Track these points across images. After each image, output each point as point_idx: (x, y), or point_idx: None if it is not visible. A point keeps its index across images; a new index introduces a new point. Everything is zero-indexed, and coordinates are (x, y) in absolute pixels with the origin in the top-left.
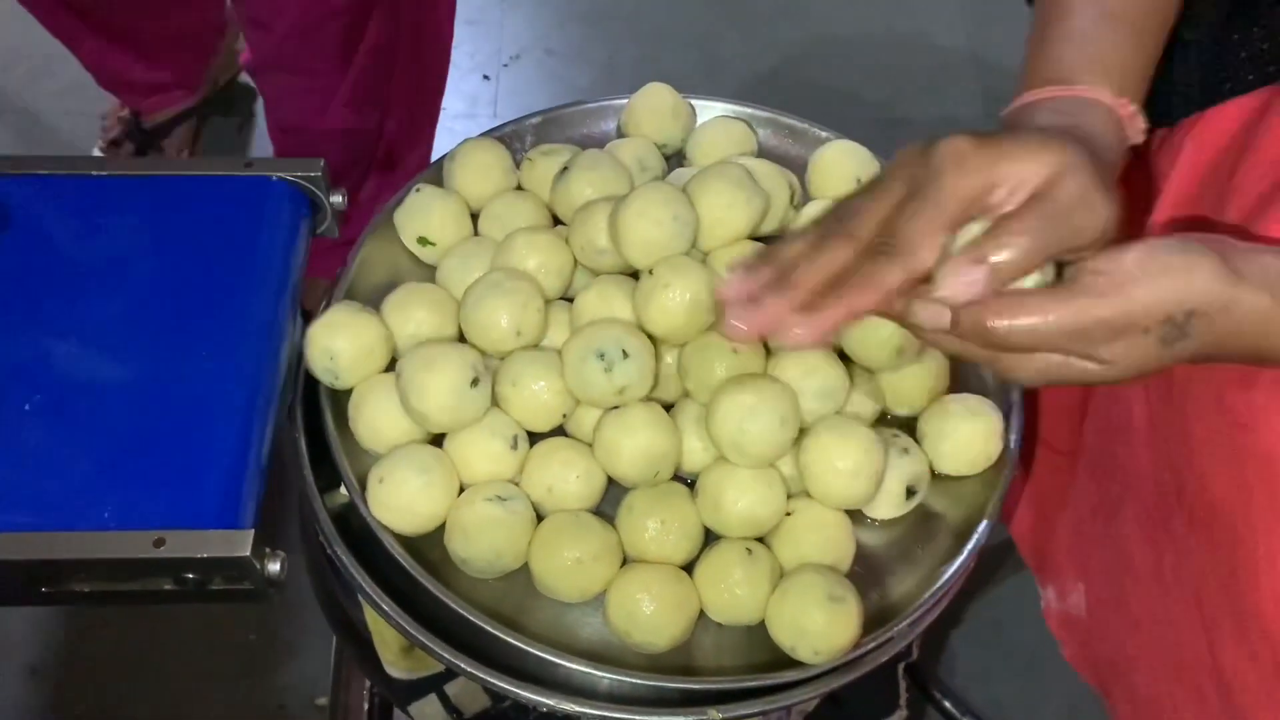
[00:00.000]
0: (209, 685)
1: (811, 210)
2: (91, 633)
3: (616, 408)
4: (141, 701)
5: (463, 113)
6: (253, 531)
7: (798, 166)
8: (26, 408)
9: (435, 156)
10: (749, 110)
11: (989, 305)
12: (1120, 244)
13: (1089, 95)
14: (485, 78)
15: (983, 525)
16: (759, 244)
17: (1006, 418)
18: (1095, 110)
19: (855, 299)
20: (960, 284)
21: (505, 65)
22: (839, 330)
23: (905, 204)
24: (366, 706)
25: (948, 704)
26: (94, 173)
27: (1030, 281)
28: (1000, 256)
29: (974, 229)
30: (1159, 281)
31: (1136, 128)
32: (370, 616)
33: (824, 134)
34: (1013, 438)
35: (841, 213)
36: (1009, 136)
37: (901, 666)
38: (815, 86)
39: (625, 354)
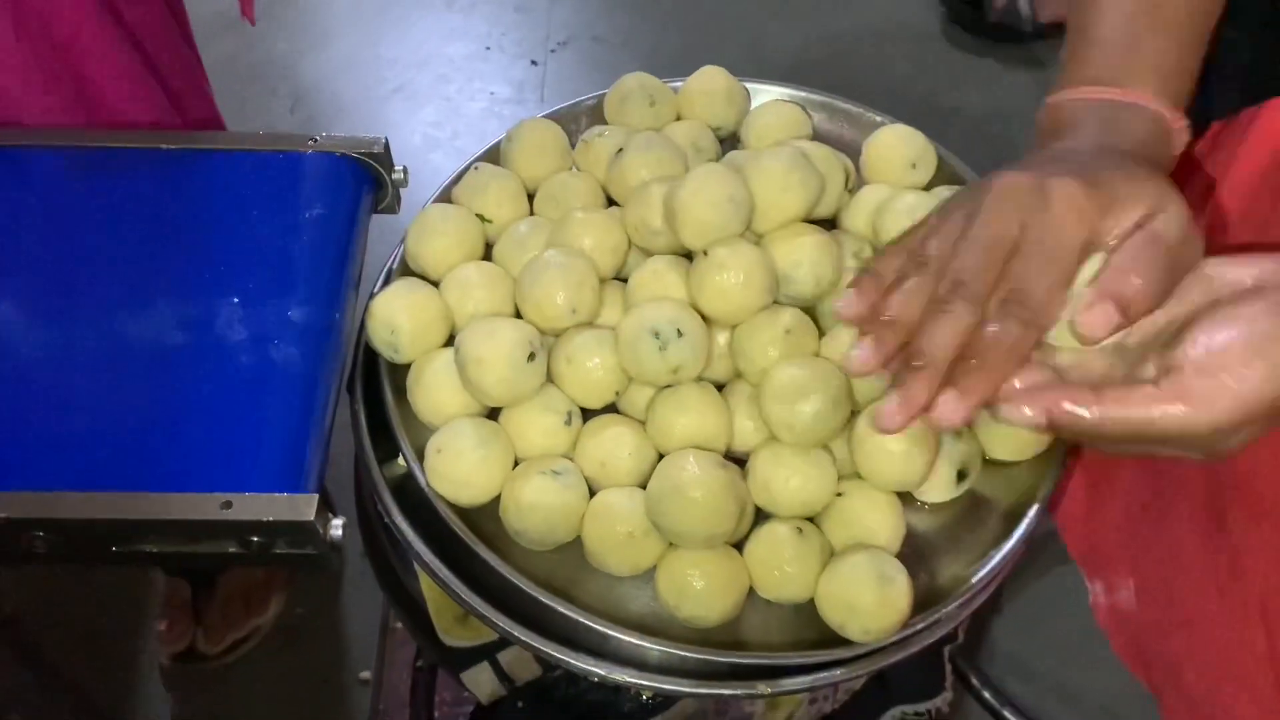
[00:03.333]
0: (252, 656)
1: (870, 195)
2: (143, 602)
3: (670, 386)
4: (187, 671)
5: (510, 98)
6: (317, 496)
7: (852, 151)
8: (99, 373)
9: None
10: (803, 94)
11: (1082, 400)
12: (1210, 319)
13: (1134, 100)
14: (533, 63)
15: (1033, 511)
16: (822, 232)
17: None
18: (1141, 116)
19: (997, 372)
20: (1100, 323)
21: (553, 51)
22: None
23: (1026, 256)
24: (410, 681)
25: (986, 694)
26: (163, 146)
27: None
28: (1129, 291)
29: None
30: (1264, 369)
31: (1180, 140)
32: (426, 585)
33: (879, 118)
34: None
35: (944, 235)
36: (1113, 178)
37: (947, 650)
38: (862, 75)
39: (680, 333)
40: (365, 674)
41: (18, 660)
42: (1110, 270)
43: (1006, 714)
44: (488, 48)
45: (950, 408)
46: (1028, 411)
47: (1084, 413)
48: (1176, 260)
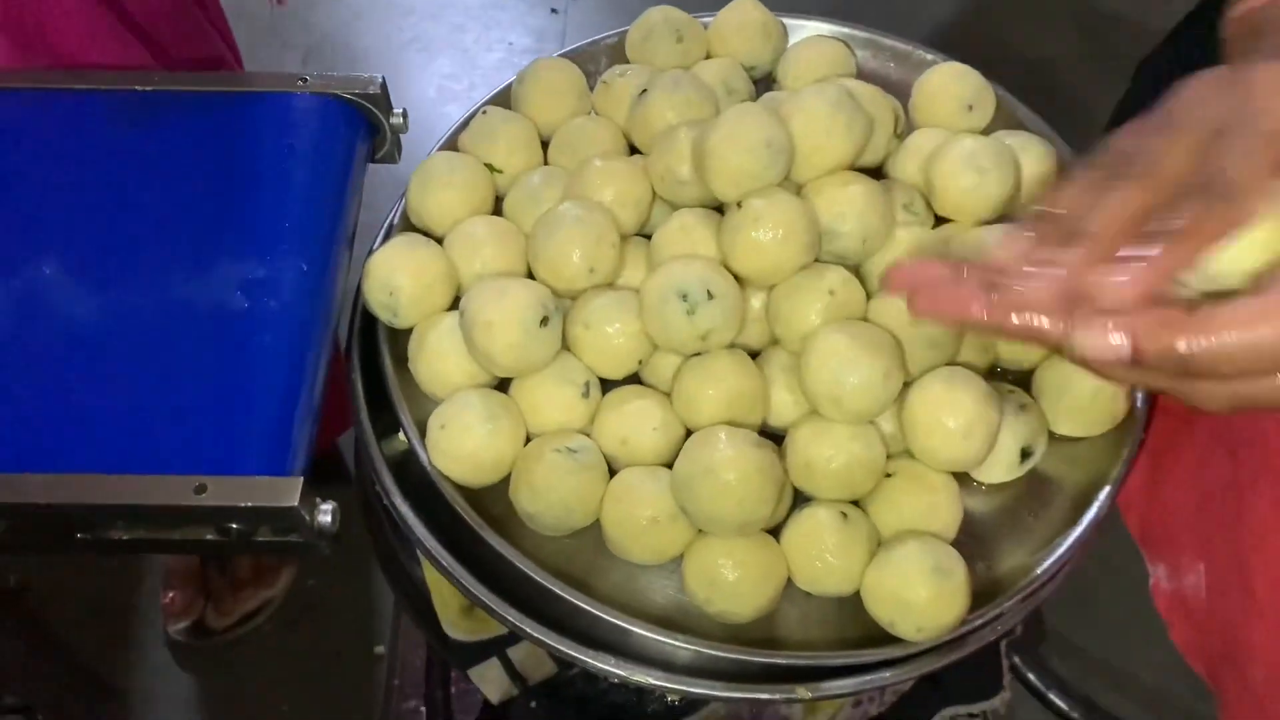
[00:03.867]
0: (265, 630)
1: (921, 141)
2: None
3: (698, 354)
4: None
5: (530, 48)
6: (301, 479)
7: (901, 92)
8: (62, 342)
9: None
10: (846, 29)
11: (1177, 323)
12: None
13: None
14: (553, 11)
15: (1104, 493)
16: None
17: None
18: None
19: (1171, 254)
20: None
21: None
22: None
23: (1227, 140)
24: (425, 657)
25: (1031, 676)
26: (138, 87)
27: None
28: None
29: None
30: None
31: None
32: (429, 573)
33: (929, 56)
34: (1139, 396)
35: (1116, 158)
36: None
37: (1005, 644)
38: (907, 22)
39: (710, 295)
40: (380, 649)
41: (23, 633)
42: None
43: (1052, 696)
44: None
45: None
46: (1096, 339)
47: (1181, 343)
48: None
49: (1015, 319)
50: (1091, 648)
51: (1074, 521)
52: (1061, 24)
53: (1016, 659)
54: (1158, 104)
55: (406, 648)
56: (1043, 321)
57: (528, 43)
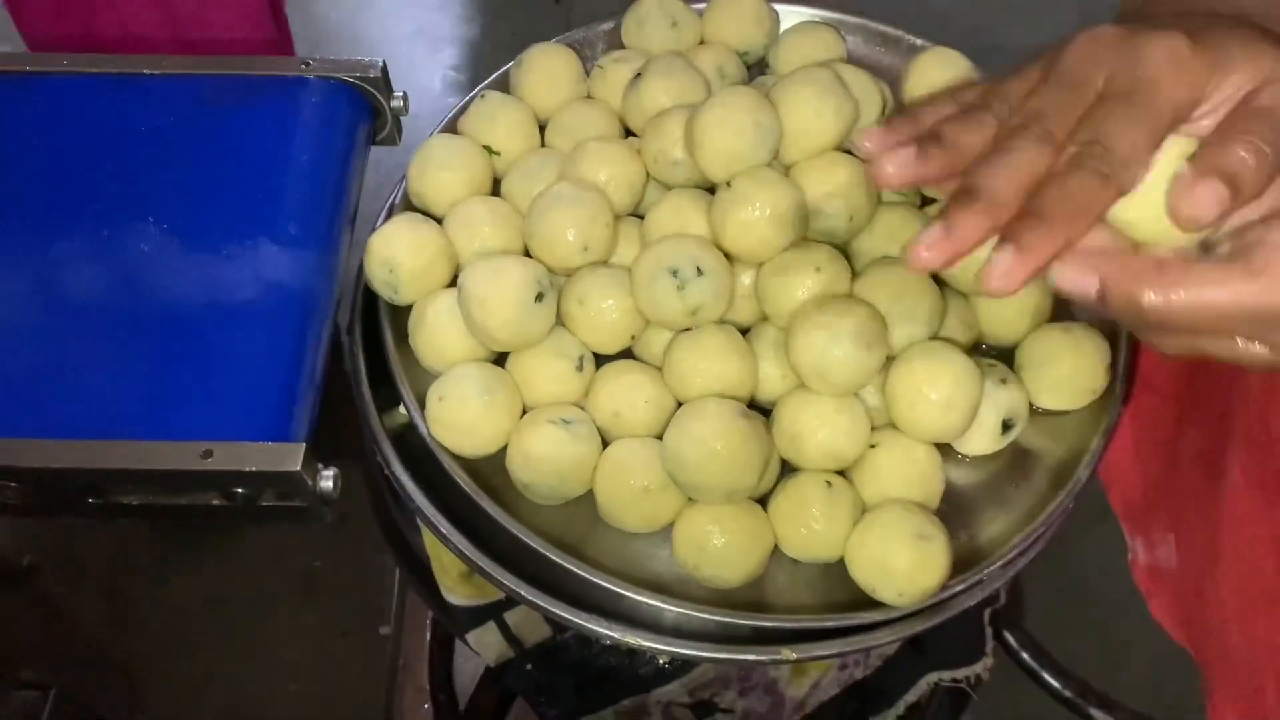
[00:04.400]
0: (273, 610)
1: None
2: (160, 554)
3: (689, 330)
4: (206, 624)
5: (534, 38)
6: (304, 445)
7: (890, 77)
8: (73, 314)
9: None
10: (837, 16)
11: (1148, 276)
12: None
13: None
14: (557, 2)
15: (1084, 465)
16: (857, 161)
17: (1115, 347)
18: None
19: (1066, 230)
20: (1205, 203)
21: None
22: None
23: (1112, 106)
24: (429, 636)
25: (1025, 655)
26: (144, 71)
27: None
28: (1242, 168)
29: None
30: None
31: None
32: (429, 540)
33: (919, 41)
34: (1120, 371)
35: (1011, 93)
36: (1223, 38)
37: (988, 613)
38: (904, 10)
39: (700, 271)
40: (385, 629)
41: (36, 611)
42: (1213, 144)
43: (1046, 676)
44: None
45: (1005, 267)
46: (1072, 275)
47: (1150, 293)
48: None
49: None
50: (1086, 627)
51: (1054, 492)
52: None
53: (1010, 638)
54: (1052, 51)
55: (411, 629)
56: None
57: (532, 33)
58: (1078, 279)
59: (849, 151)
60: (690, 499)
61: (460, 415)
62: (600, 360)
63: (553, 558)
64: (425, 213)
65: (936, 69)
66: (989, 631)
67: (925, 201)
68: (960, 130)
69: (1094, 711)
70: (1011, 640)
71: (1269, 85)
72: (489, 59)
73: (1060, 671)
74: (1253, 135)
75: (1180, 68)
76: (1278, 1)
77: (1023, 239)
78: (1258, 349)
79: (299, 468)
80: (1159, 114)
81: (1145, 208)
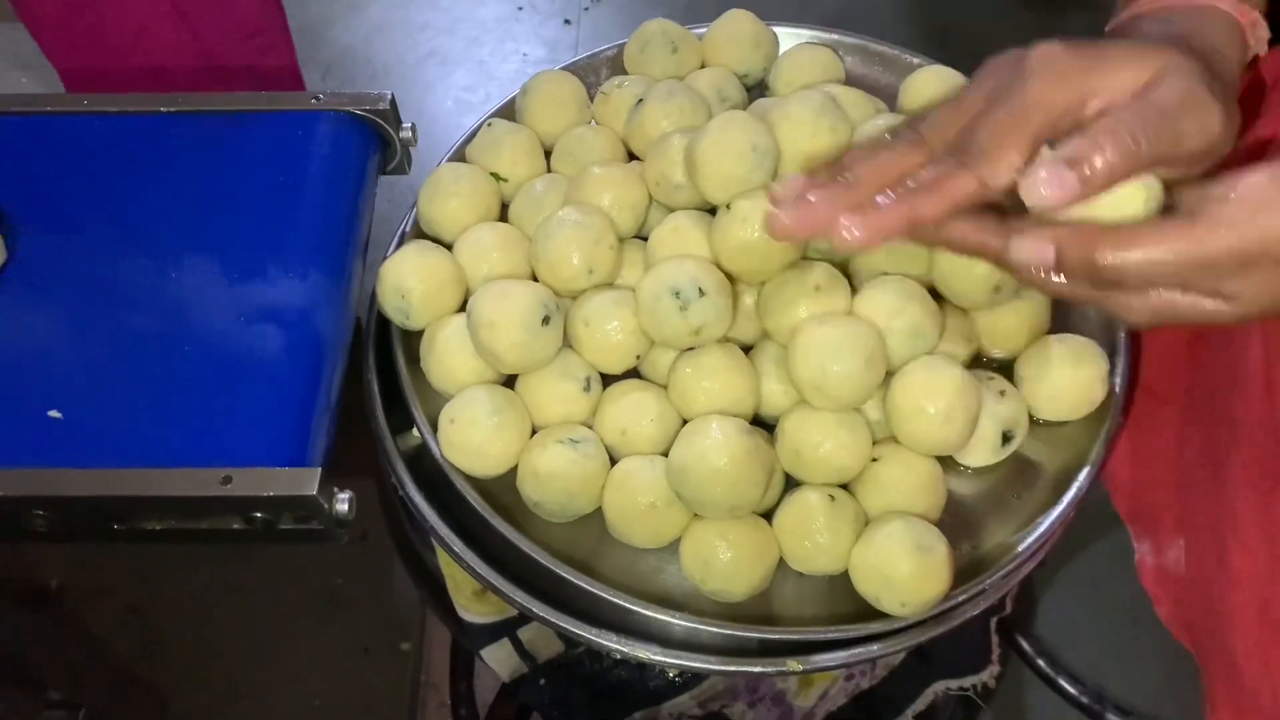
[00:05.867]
0: (295, 627)
1: (881, 121)
2: (185, 575)
3: (692, 349)
4: (230, 642)
5: (543, 58)
6: (320, 470)
7: (888, 96)
8: (98, 346)
9: (434, 96)
10: (835, 37)
11: (1098, 237)
12: (1246, 168)
13: (1204, 2)
14: (566, 22)
15: (1084, 474)
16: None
17: (1112, 360)
18: (1212, 19)
19: (918, 203)
20: (1048, 186)
21: (586, 9)
22: (896, 239)
23: (985, 109)
24: (450, 652)
25: (1041, 662)
26: (161, 109)
27: (1136, 212)
28: (1093, 155)
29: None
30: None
31: (1259, 36)
32: (443, 559)
33: (915, 60)
34: (1118, 381)
35: (915, 121)
36: (1107, 43)
37: (994, 621)
38: (907, 21)
39: (701, 292)
40: (406, 645)
41: (64, 632)
42: (1080, 135)
43: (1062, 682)
44: (520, 8)
45: (845, 222)
46: (1029, 245)
47: (1097, 254)
48: (1171, 127)
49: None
50: (1101, 634)
51: (1055, 501)
52: (1071, 17)
53: (1026, 645)
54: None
55: (432, 644)
56: (983, 238)
57: (542, 54)
58: (1035, 247)
59: None
60: (696, 514)
61: (471, 437)
62: (607, 380)
63: (563, 574)
64: (436, 239)
65: (933, 85)
66: (995, 640)
67: None
68: (868, 164)
69: (1110, 717)
70: (1027, 646)
71: (1159, 77)
72: (500, 79)
73: (1075, 677)
74: (1117, 120)
75: (1052, 69)
76: (1229, 39)
77: (870, 209)
78: (1212, 304)
79: (315, 492)
80: (1029, 112)
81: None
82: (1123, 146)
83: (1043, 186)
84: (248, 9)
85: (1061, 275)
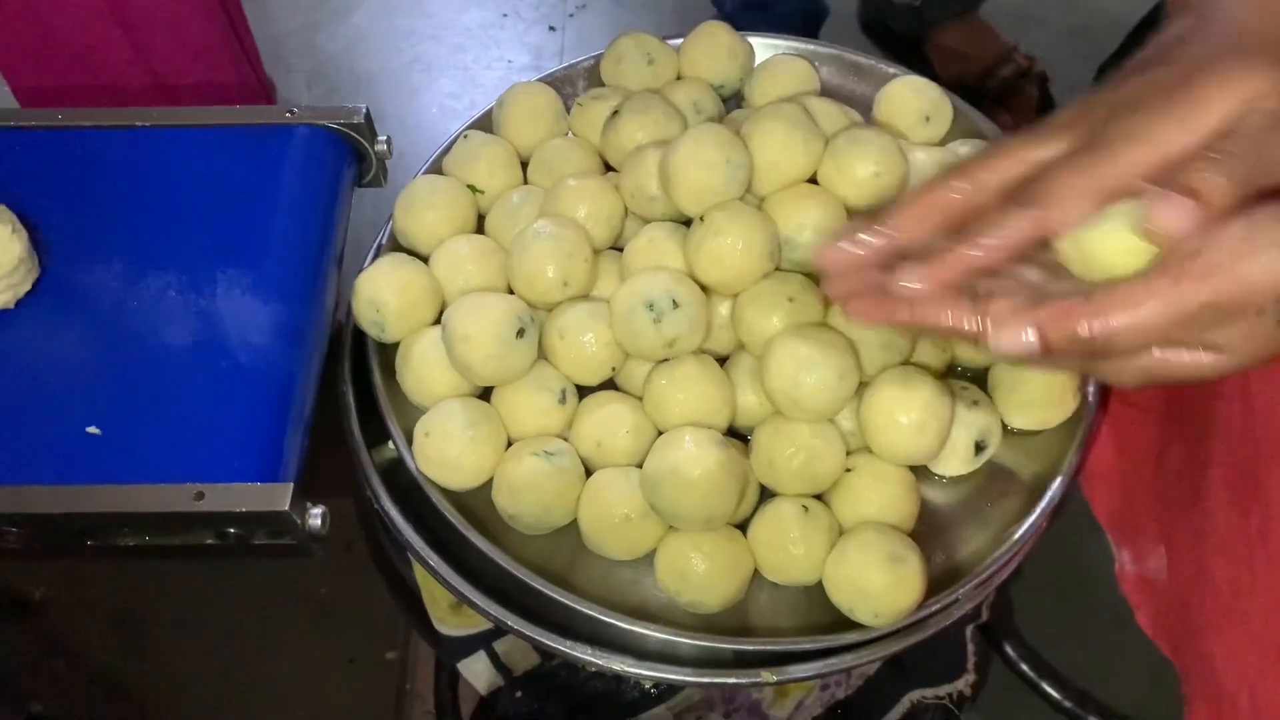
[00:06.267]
0: (280, 637)
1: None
2: (169, 586)
3: (667, 360)
4: (215, 653)
5: (528, 65)
6: (292, 485)
7: (864, 106)
8: (69, 362)
9: (419, 103)
10: (810, 47)
11: (1077, 310)
12: (1221, 220)
13: None
14: (551, 29)
15: (1057, 483)
16: (827, 193)
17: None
18: None
19: (969, 247)
20: (1174, 211)
21: (571, 16)
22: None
23: (1068, 159)
24: (435, 662)
25: (1024, 667)
26: (136, 123)
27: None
28: (1202, 186)
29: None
30: (1269, 255)
31: None
32: (419, 572)
33: (891, 70)
34: (1091, 390)
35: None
36: (1202, 75)
37: (970, 629)
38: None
39: (675, 304)
40: (391, 654)
41: (48, 645)
42: (1187, 167)
43: (1045, 686)
44: (504, 15)
45: (909, 277)
46: (1009, 338)
47: (1081, 327)
48: (1261, 154)
49: (937, 317)
50: (1087, 638)
51: (1029, 510)
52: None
53: (1010, 649)
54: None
55: (417, 653)
56: (962, 322)
57: (526, 60)
58: (1015, 338)
59: (817, 183)
60: (671, 527)
61: (446, 450)
62: (583, 392)
63: (538, 587)
64: (412, 251)
65: (906, 96)
66: (970, 648)
67: None
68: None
69: None
70: (1010, 651)
71: (1252, 111)
72: (485, 86)
73: (1059, 682)
74: (1223, 156)
75: (1149, 114)
76: None
77: (931, 257)
78: (1204, 358)
79: (287, 507)
80: (1106, 163)
81: (1075, 247)
82: (1232, 175)
83: (1171, 216)
84: (194, 28)
85: (1049, 356)
